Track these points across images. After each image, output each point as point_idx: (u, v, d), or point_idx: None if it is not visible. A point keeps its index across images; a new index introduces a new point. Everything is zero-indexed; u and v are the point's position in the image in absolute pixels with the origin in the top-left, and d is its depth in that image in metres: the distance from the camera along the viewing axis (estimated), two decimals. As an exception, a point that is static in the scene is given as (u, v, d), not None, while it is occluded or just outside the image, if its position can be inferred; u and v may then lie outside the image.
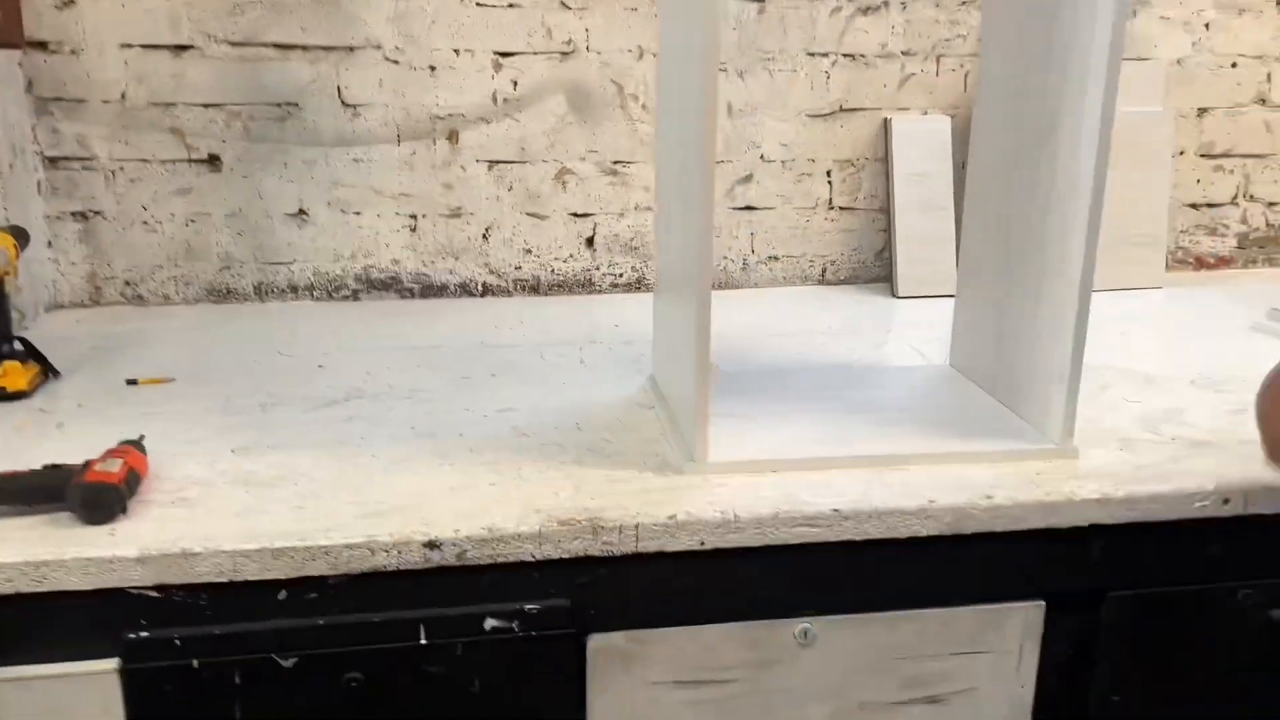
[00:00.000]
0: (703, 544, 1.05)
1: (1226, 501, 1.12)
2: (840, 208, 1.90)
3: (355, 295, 1.80)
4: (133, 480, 1.03)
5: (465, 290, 1.83)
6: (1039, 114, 1.18)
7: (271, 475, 1.12)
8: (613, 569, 1.05)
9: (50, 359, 1.39)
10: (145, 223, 1.72)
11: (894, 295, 1.85)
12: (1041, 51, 1.17)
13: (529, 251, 1.83)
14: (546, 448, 1.19)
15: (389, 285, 1.81)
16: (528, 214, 1.82)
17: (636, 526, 1.03)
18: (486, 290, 1.84)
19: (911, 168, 1.85)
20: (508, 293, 1.84)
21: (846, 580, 1.11)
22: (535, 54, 1.75)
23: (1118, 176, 1.77)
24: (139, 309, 1.74)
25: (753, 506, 1.06)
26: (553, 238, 1.83)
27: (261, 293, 1.78)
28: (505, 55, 1.74)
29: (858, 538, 1.07)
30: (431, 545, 1.00)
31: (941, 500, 1.08)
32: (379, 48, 1.71)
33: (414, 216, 1.79)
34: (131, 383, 1.38)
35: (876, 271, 1.93)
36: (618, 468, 1.14)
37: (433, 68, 1.73)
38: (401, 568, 1.00)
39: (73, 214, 1.70)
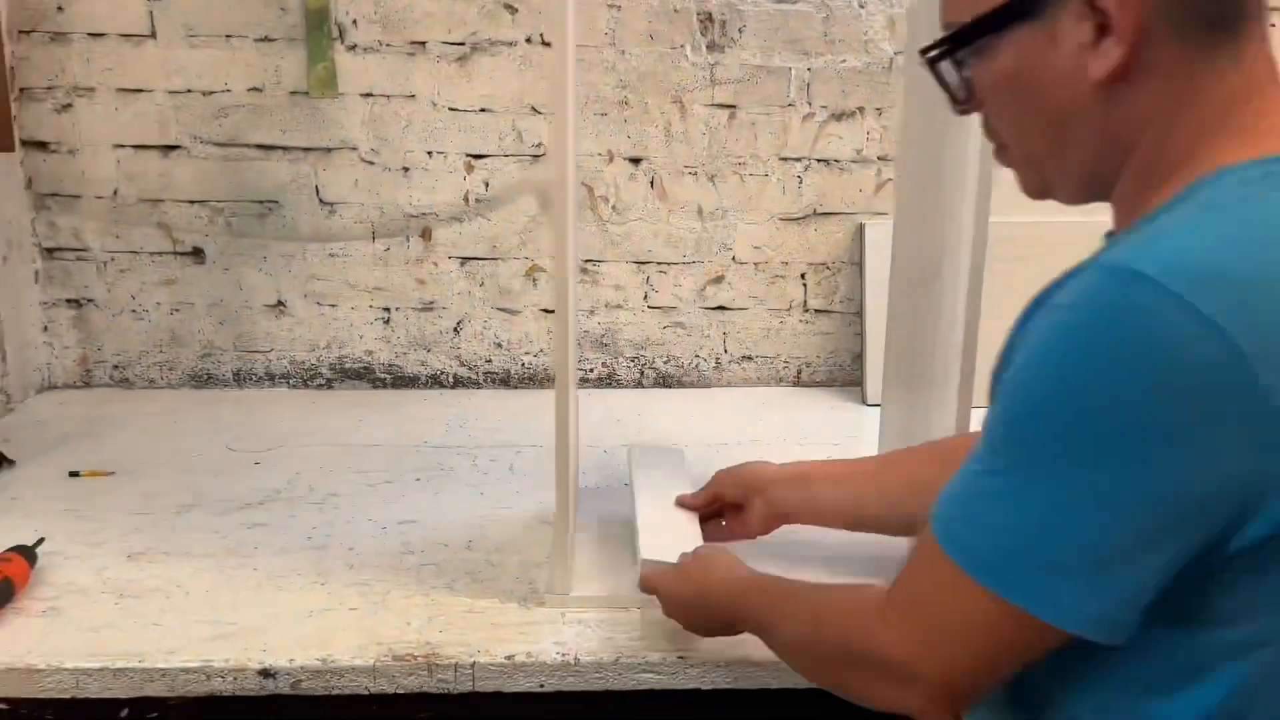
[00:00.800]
0: (541, 686, 1.04)
1: None
2: (815, 310, 1.87)
3: (329, 384, 1.85)
4: (4, 590, 1.08)
5: (436, 381, 1.86)
6: (932, 238, 1.15)
7: (150, 586, 1.15)
8: (450, 707, 1.05)
9: (24, 442, 1.47)
10: (134, 310, 1.81)
11: (863, 402, 1.81)
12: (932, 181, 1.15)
13: (499, 345, 1.86)
14: (424, 570, 1.20)
15: (361, 375, 1.85)
16: (499, 309, 1.84)
17: (473, 665, 1.03)
18: (457, 382, 1.87)
19: (885, 273, 1.81)
20: (477, 385, 1.87)
21: (699, 728, 1.08)
22: (506, 156, 1.79)
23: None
24: (125, 392, 1.83)
25: (599, 649, 1.05)
26: (523, 332, 1.85)
27: (240, 379, 1.84)
28: (477, 157, 1.78)
29: (703, 686, 1.05)
30: (265, 673, 1.02)
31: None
32: (354, 149, 1.77)
33: (387, 309, 1.83)
34: (74, 475, 1.45)
35: (853, 375, 1.89)
36: (483, 596, 1.15)
37: (406, 169, 1.78)
38: (238, 694, 1.02)
39: (67, 301, 1.80)
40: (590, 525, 1.24)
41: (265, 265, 1.80)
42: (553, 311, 1.83)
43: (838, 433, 1.67)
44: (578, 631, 1.08)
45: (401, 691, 1.03)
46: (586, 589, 1.13)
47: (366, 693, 1.03)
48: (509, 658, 1.04)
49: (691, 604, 1.01)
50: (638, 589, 1.06)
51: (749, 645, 0.96)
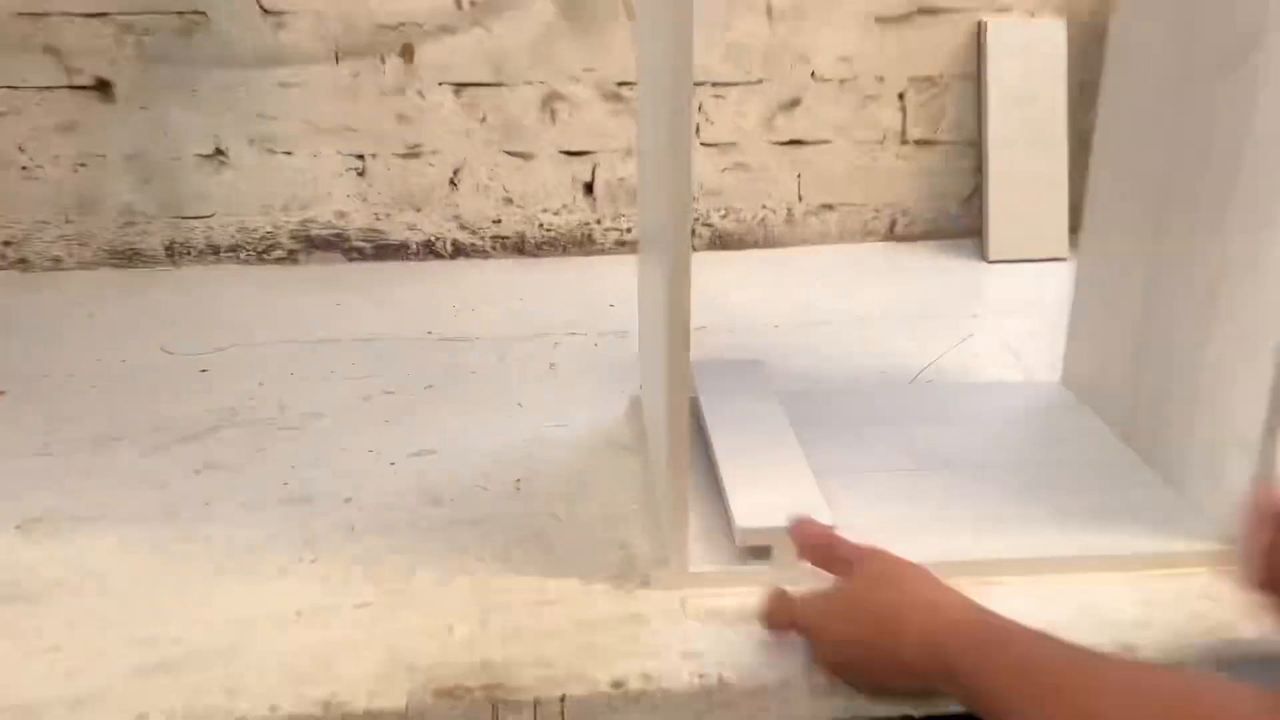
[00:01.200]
0: (668, 722, 0.67)
1: None
2: (915, 142, 1.46)
3: (292, 257, 1.43)
4: None
5: (431, 250, 1.45)
6: (1231, 13, 0.74)
7: (49, 577, 0.76)
8: (529, 760, 0.68)
9: None
10: (24, 168, 1.37)
11: (984, 259, 1.42)
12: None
13: (510, 201, 1.43)
14: (460, 529, 0.82)
15: (333, 245, 1.43)
16: (507, 153, 1.41)
17: (562, 700, 0.66)
18: (458, 250, 1.45)
19: (1013, 89, 1.39)
20: (484, 253, 1.45)
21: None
22: (511, -60, 1.33)
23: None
24: (24, 277, 1.40)
25: (757, 664, 0.67)
26: (540, 183, 1.43)
27: (174, 254, 1.41)
28: (472, -57, 1.33)
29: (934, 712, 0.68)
30: (234, 730, 0.64)
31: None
32: (305, -65, 1.30)
33: (361, 157, 1.40)
34: (-56, 398, 1.04)
35: (963, 225, 1.49)
36: (557, 572, 0.76)
37: (376, -39, 1.32)
38: (191, 764, 0.64)
39: (-70, 157, 1.35)
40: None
41: (195, 101, 1.35)
42: (580, 154, 1.41)
43: (951, 307, 1.28)
44: (713, 633, 0.70)
45: (451, 744, 0.66)
46: (715, 558, 0.75)
47: (396, 749, 0.66)
48: (617, 684, 0.66)
49: (873, 648, 0.62)
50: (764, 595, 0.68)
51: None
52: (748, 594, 0.72)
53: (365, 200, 1.41)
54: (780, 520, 0.72)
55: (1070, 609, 0.72)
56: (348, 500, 0.86)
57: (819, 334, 1.19)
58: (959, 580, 0.64)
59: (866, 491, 0.81)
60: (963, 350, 1.14)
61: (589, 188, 1.43)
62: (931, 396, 1.02)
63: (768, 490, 0.77)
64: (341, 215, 1.42)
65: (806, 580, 0.71)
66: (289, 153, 1.38)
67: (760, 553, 0.74)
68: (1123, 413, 0.90)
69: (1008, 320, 1.22)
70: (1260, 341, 0.72)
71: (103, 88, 1.34)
